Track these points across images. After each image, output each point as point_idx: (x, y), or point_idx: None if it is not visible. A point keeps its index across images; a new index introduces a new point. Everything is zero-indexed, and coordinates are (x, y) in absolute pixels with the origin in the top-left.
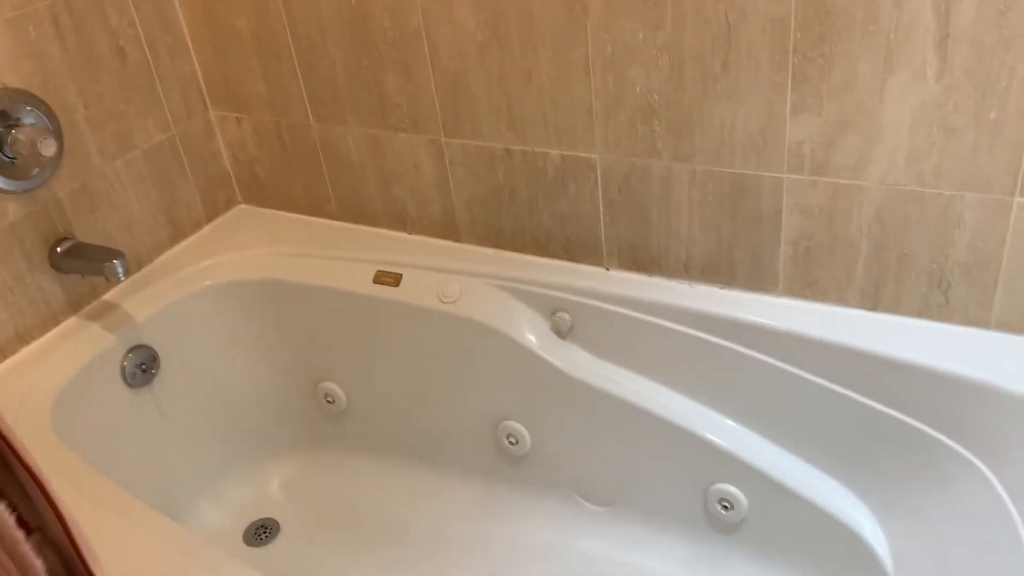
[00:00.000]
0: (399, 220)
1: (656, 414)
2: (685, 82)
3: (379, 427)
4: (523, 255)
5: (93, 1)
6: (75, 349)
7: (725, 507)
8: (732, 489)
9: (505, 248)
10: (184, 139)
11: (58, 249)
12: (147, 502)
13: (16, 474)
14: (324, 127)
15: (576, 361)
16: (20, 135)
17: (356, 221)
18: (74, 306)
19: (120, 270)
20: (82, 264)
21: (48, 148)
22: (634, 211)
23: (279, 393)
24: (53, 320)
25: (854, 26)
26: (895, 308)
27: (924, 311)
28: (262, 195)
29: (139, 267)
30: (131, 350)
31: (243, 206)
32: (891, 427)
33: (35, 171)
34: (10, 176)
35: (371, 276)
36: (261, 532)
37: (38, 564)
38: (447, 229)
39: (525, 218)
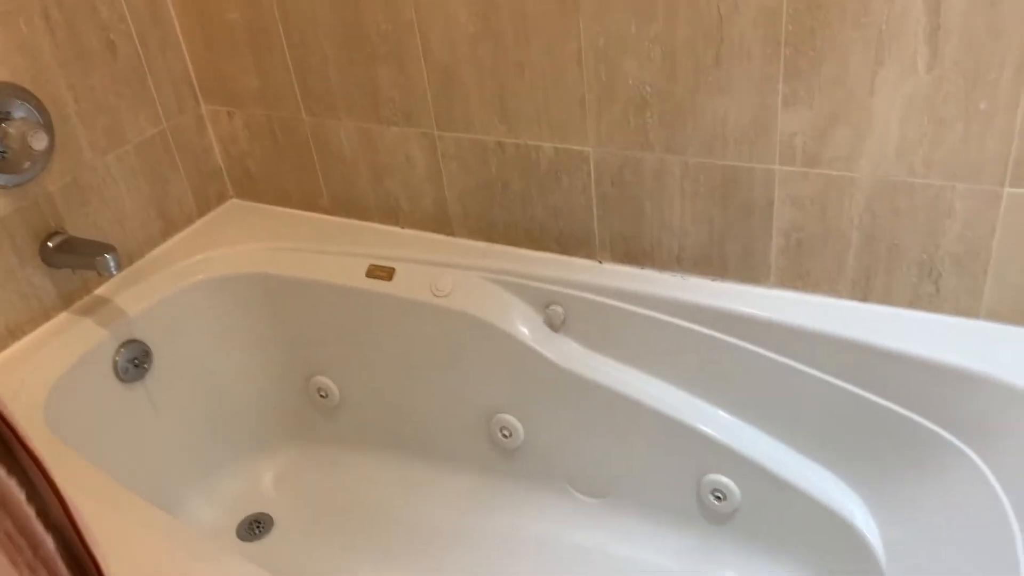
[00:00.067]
0: (391, 214)
1: (649, 406)
2: (677, 74)
3: (372, 421)
4: (516, 248)
5: None
6: (67, 344)
7: (718, 497)
8: (724, 480)
9: (498, 241)
10: (176, 133)
11: (49, 243)
12: (140, 497)
13: (19, 459)
14: (316, 121)
15: (569, 354)
16: (11, 129)
17: (348, 215)
18: (65, 301)
19: (112, 264)
20: (73, 258)
21: (39, 142)
22: (627, 204)
23: (272, 388)
24: (44, 315)
25: (845, 18)
26: (886, 299)
27: (915, 301)
28: (254, 190)
29: (131, 262)
30: (123, 345)
31: (235, 201)
32: (882, 417)
33: (26, 165)
34: (0, 170)
35: (364, 270)
36: (255, 527)
37: (49, 541)
38: (440, 223)
39: (518, 211)
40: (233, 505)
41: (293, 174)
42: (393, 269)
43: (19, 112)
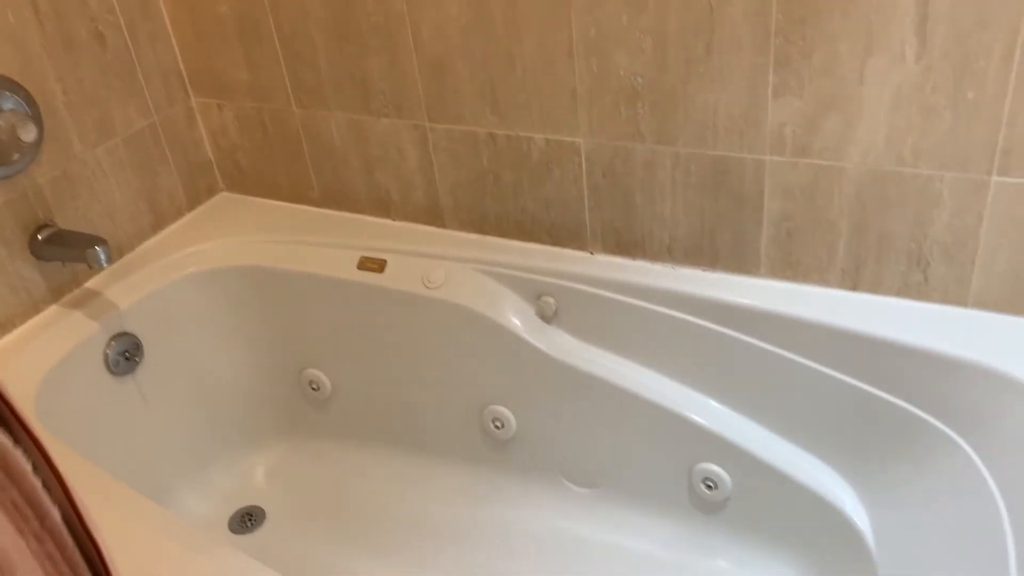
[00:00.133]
0: (383, 206)
1: (641, 396)
2: (668, 65)
3: (364, 414)
4: (507, 240)
5: None
6: (57, 337)
7: (709, 486)
8: (716, 468)
9: (489, 233)
10: (165, 126)
11: (39, 236)
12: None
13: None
14: (307, 113)
15: (561, 345)
16: (0, 120)
17: (339, 208)
18: (55, 294)
19: (103, 257)
20: (63, 251)
21: (28, 134)
22: (618, 195)
23: (263, 381)
24: (34, 308)
25: (834, 8)
26: (875, 288)
27: (903, 290)
28: (244, 182)
29: (121, 255)
30: (114, 338)
31: (225, 194)
32: (873, 405)
33: (15, 157)
34: None
35: (355, 262)
36: (247, 520)
37: (55, 512)
38: (431, 215)
39: (509, 203)
40: (225, 498)
41: (284, 166)
42: (385, 261)
43: (8, 104)
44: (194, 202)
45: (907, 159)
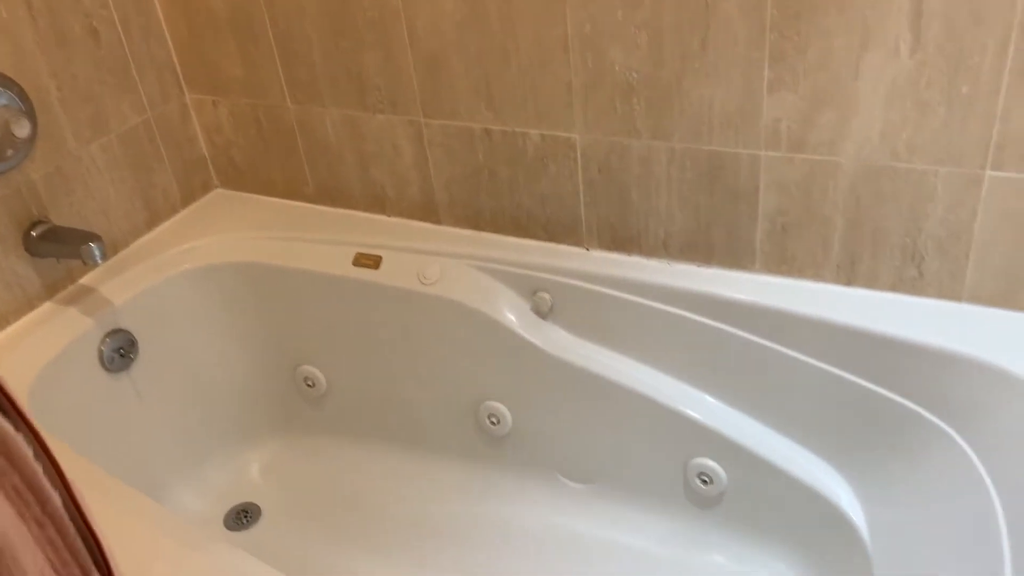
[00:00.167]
0: (378, 202)
1: (636, 391)
2: (664, 60)
3: (359, 410)
4: (503, 236)
5: None
6: (52, 334)
7: (704, 481)
8: (711, 463)
9: (485, 229)
10: (160, 123)
11: (33, 233)
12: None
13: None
14: (302, 109)
15: (557, 340)
16: None
17: (334, 204)
18: (50, 290)
19: (97, 253)
20: (58, 248)
21: (22, 129)
22: (614, 190)
23: (259, 377)
24: (28, 305)
25: (830, 3)
26: (870, 283)
27: (898, 285)
28: (239, 179)
29: (115, 252)
30: (108, 334)
31: (220, 190)
32: (867, 400)
33: (8, 153)
34: None
35: (350, 258)
36: (242, 516)
37: (56, 497)
38: (426, 211)
39: (505, 199)
40: (220, 495)
41: (278, 163)
42: (380, 257)
43: (1, 99)
44: (189, 199)
45: (902, 154)
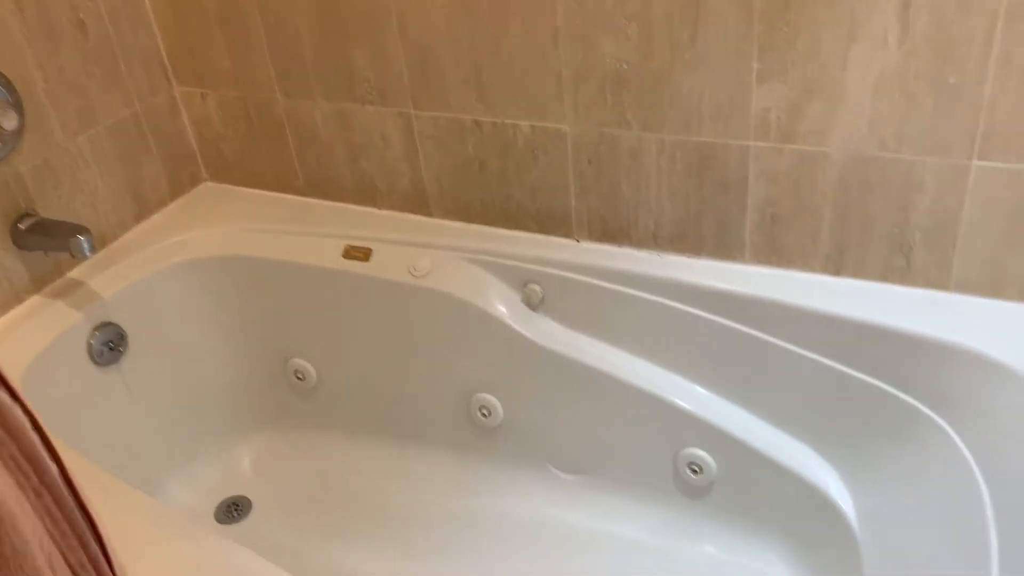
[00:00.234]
0: (368, 195)
1: (627, 382)
2: (654, 51)
3: (350, 403)
4: (494, 228)
5: None
6: (40, 327)
7: (694, 471)
8: (701, 453)
9: (475, 221)
10: (148, 115)
11: (20, 226)
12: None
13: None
14: (291, 102)
15: (548, 332)
16: None
17: (324, 197)
18: (38, 284)
19: (86, 246)
20: (46, 240)
21: (8, 121)
22: (604, 182)
23: (249, 371)
24: (16, 298)
25: None
26: (858, 273)
27: (886, 275)
28: (228, 172)
29: (104, 245)
30: (98, 328)
31: (209, 183)
32: (856, 389)
33: None
34: None
35: (340, 251)
36: (233, 510)
37: (53, 468)
38: (417, 203)
39: (495, 190)
40: (211, 489)
41: (268, 156)
42: (370, 250)
43: None
44: (177, 192)
45: (889, 144)
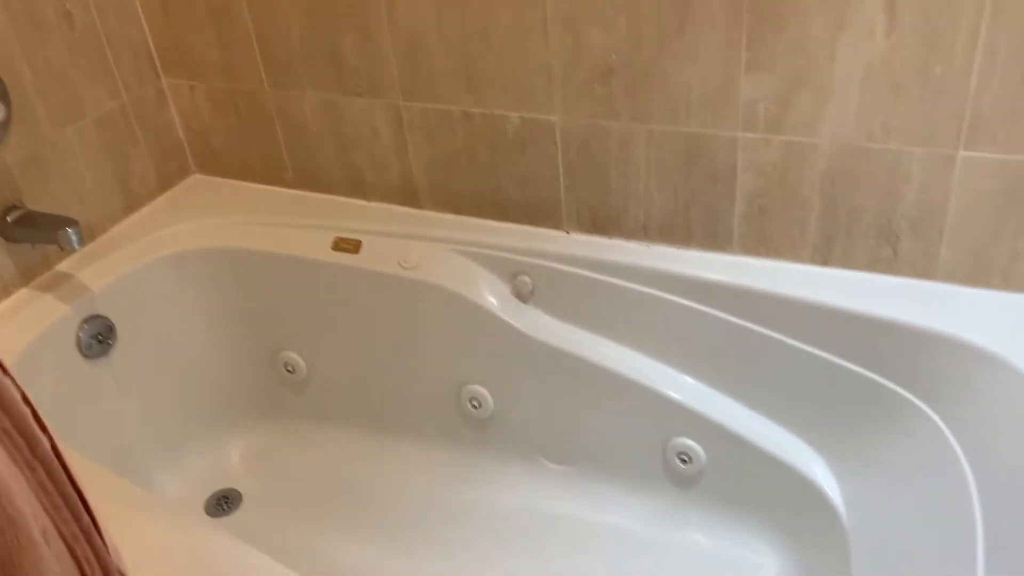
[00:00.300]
0: (357, 187)
1: (617, 373)
2: (642, 42)
3: (340, 395)
4: (483, 220)
5: None
6: (28, 320)
7: (683, 460)
8: (690, 443)
9: (465, 213)
10: (136, 107)
11: (7, 218)
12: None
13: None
14: (280, 94)
15: (538, 323)
16: None
17: (313, 189)
18: (25, 277)
19: (74, 238)
20: (33, 233)
21: None
22: (593, 173)
23: (238, 363)
24: (4, 291)
25: None
26: (846, 263)
27: (873, 265)
28: (217, 164)
29: (92, 238)
30: (86, 320)
31: (197, 176)
32: (844, 378)
33: None
34: None
35: (330, 243)
36: (223, 503)
37: (45, 441)
38: (406, 195)
39: (485, 182)
40: (201, 481)
41: (256, 148)
42: (359, 242)
43: None
44: (166, 184)
45: (877, 135)
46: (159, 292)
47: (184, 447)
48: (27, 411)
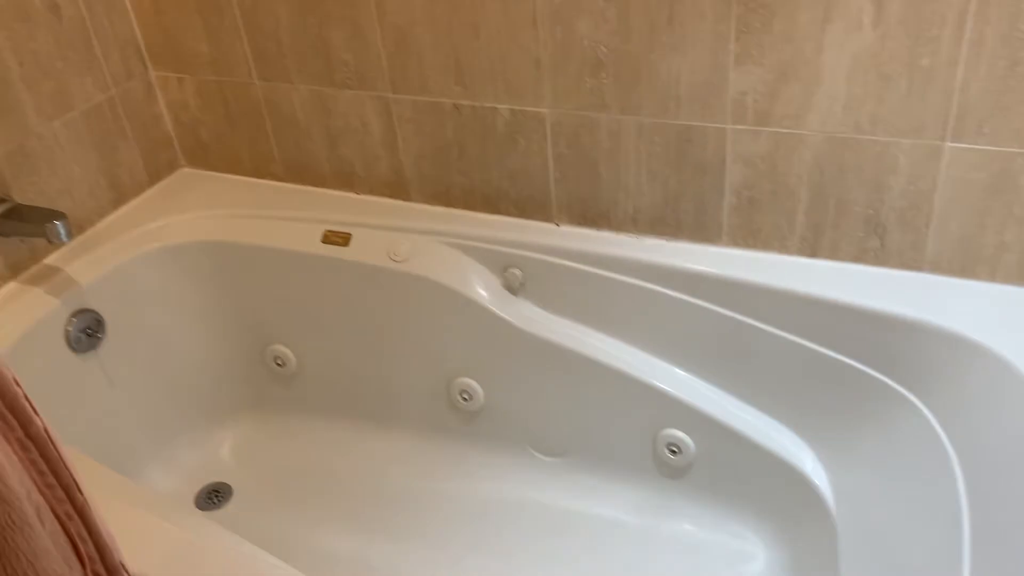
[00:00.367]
0: (347, 180)
1: (607, 365)
2: (632, 34)
3: (330, 389)
4: (473, 212)
5: None
6: (16, 314)
7: (673, 451)
8: (679, 434)
9: (455, 206)
10: (124, 100)
11: None
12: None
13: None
14: (269, 86)
15: (528, 316)
16: None
17: (303, 182)
18: (13, 270)
19: (62, 231)
20: (21, 226)
21: None
22: (583, 166)
23: (228, 357)
24: None
25: None
26: (834, 254)
27: (861, 256)
28: (206, 158)
29: (81, 231)
30: (75, 314)
31: (186, 169)
32: (832, 368)
33: None
34: None
35: (319, 236)
36: (213, 496)
37: (38, 421)
38: (396, 188)
39: (475, 175)
40: (191, 475)
41: (245, 141)
42: (349, 235)
43: None
44: (155, 177)
45: (864, 126)
46: (148, 286)
47: (174, 441)
48: (19, 391)
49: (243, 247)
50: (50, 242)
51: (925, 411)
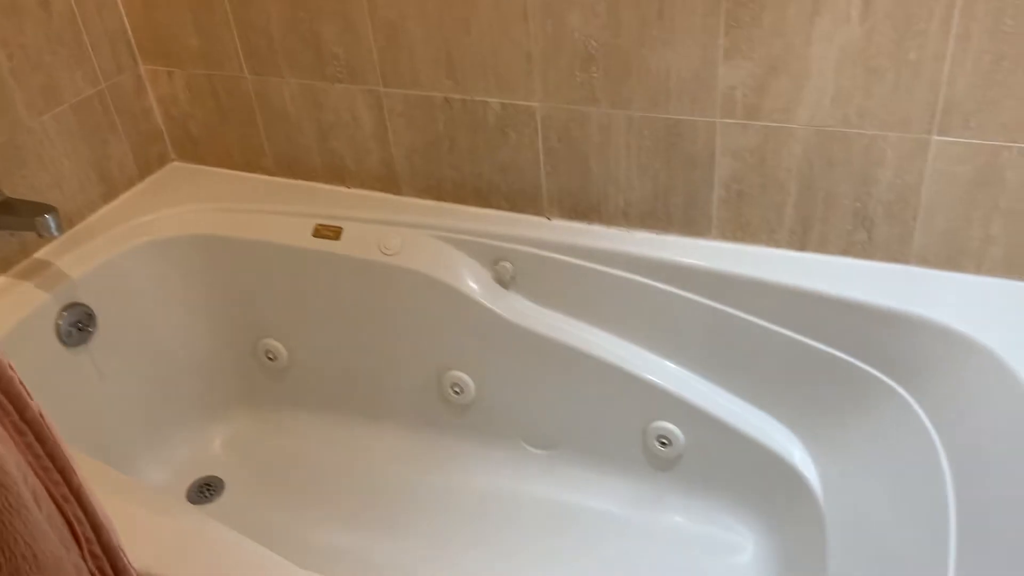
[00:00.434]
0: (337, 174)
1: (598, 357)
2: (622, 28)
3: (322, 382)
4: (464, 206)
5: None
6: (6, 308)
7: (663, 443)
8: (669, 426)
9: (446, 200)
10: (114, 94)
11: None
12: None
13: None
14: (259, 80)
15: (519, 309)
16: None
17: (293, 176)
18: (3, 264)
19: (52, 225)
20: (11, 220)
21: None
22: (573, 159)
23: (219, 351)
24: None
25: None
26: (822, 247)
27: (849, 249)
28: (196, 151)
29: (71, 225)
30: (65, 308)
31: (177, 163)
32: (820, 360)
33: None
34: None
35: (310, 230)
36: (205, 490)
37: (34, 405)
38: (387, 182)
39: (466, 168)
40: (183, 469)
41: (236, 135)
42: (340, 228)
43: None
44: (145, 171)
45: (852, 120)
46: (139, 280)
47: (165, 435)
48: (13, 376)
49: (234, 241)
50: (40, 236)
51: (912, 402)
